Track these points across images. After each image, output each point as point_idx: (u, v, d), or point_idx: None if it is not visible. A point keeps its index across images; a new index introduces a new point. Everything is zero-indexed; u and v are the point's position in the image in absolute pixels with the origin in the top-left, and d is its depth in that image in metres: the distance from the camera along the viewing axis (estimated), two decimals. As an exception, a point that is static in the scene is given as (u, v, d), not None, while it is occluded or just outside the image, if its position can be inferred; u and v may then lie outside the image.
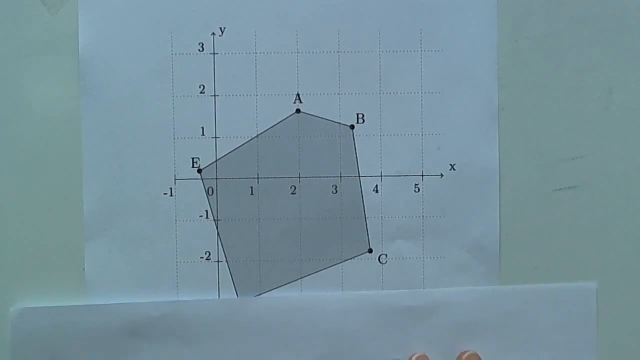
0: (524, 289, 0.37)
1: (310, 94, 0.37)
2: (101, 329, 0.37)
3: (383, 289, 0.38)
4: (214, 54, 0.37)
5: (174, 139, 0.37)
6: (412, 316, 0.37)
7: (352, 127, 0.38)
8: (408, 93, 0.38)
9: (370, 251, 0.38)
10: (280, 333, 0.37)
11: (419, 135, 0.38)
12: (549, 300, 0.37)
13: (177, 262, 0.37)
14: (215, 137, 0.37)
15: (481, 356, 0.36)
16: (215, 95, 0.37)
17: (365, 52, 0.37)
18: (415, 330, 0.37)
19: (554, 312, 0.37)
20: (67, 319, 0.37)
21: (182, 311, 0.37)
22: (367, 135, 0.38)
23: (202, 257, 0.38)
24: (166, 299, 0.37)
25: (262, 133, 0.37)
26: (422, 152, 0.38)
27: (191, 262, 0.37)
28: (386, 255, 0.38)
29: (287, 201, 0.38)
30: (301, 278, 0.38)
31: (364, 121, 0.38)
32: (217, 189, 0.38)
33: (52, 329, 0.36)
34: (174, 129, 0.37)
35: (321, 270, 0.38)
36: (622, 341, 0.38)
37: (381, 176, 0.38)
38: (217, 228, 0.38)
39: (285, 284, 0.38)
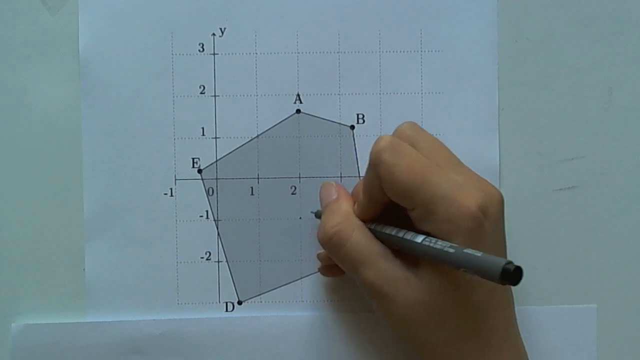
0: (524, 310, 0.37)
1: (310, 94, 0.37)
2: (102, 346, 0.37)
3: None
4: (214, 54, 0.37)
5: (174, 139, 0.37)
6: None
7: (352, 127, 0.38)
8: (408, 93, 0.38)
9: (370, 251, 0.38)
10: (282, 350, 0.37)
11: (419, 135, 0.38)
12: (549, 321, 0.37)
13: (177, 262, 0.37)
14: (215, 137, 0.37)
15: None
16: (215, 95, 0.37)
17: (365, 52, 0.37)
18: None
19: (554, 333, 0.37)
20: (68, 336, 0.37)
21: (183, 328, 0.37)
22: (367, 135, 0.37)
23: (202, 257, 0.38)
24: (166, 299, 0.37)
25: (262, 133, 0.37)
26: (422, 152, 0.38)
27: (191, 262, 0.37)
28: (386, 255, 0.38)
29: (287, 201, 0.38)
30: (301, 278, 0.38)
31: (364, 121, 0.38)
32: (217, 189, 0.38)
33: (53, 345, 0.36)
34: (174, 129, 0.37)
35: (321, 270, 0.38)
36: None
37: (381, 176, 0.38)
38: (217, 228, 0.38)
39: (285, 284, 0.38)
